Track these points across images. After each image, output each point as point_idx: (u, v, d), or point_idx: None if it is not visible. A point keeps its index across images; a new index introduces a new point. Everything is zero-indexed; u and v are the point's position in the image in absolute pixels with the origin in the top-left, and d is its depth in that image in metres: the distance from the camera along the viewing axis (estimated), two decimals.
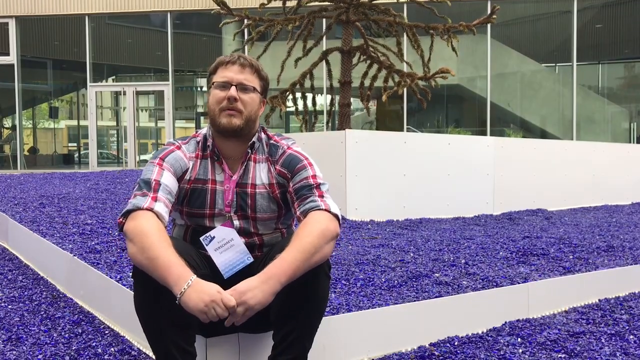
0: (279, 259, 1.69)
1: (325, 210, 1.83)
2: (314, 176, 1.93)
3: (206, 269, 1.82)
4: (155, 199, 1.79)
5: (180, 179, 1.93)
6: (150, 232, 1.68)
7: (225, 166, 1.99)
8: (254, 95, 1.96)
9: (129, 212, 1.76)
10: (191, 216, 1.98)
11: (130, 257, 1.72)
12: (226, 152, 2.00)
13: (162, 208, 1.79)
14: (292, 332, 1.80)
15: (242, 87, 1.93)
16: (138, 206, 1.75)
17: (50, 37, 17.52)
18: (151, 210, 1.75)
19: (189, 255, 1.75)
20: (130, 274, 2.53)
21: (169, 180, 1.87)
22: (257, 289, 1.62)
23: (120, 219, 1.77)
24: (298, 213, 1.87)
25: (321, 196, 1.88)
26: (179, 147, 1.98)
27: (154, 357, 1.81)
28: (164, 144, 2.07)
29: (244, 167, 1.99)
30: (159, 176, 1.86)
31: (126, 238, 1.73)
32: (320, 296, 1.82)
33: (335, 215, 1.84)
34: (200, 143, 2.02)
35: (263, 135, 2.05)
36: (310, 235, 1.74)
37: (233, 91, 1.91)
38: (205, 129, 2.05)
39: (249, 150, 2.00)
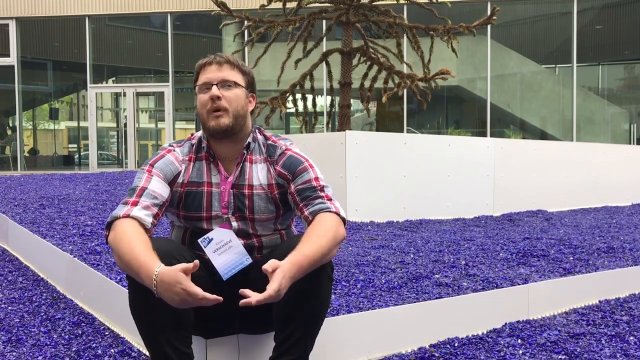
0: (298, 253, 1.68)
1: (336, 213, 1.85)
2: (317, 178, 1.93)
3: (202, 271, 1.82)
4: (135, 204, 1.80)
5: (172, 182, 1.93)
6: (123, 238, 1.70)
7: (221, 168, 1.98)
8: (238, 91, 1.94)
9: (109, 224, 1.78)
10: (188, 219, 1.97)
11: None
12: (221, 154, 1.99)
13: (141, 212, 1.79)
14: (294, 333, 1.80)
15: (223, 84, 1.92)
16: (115, 216, 1.78)
17: (50, 38, 17.53)
18: (128, 216, 1.76)
19: (182, 256, 1.75)
20: None
21: (156, 186, 1.87)
22: (284, 284, 1.61)
23: (106, 232, 1.80)
24: (306, 213, 1.87)
25: (330, 199, 1.89)
26: (170, 151, 1.98)
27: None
28: (162, 145, 2.07)
29: (239, 168, 1.98)
30: (147, 183, 1.86)
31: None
32: (323, 297, 1.83)
33: (344, 220, 1.87)
34: (194, 146, 2.01)
35: (259, 136, 2.04)
36: (325, 237, 1.75)
37: (214, 90, 1.90)
38: (201, 131, 2.05)
39: (245, 152, 1.99)
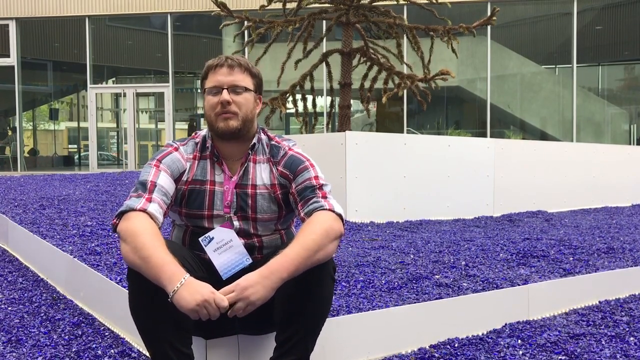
0: (281, 255, 1.70)
1: (329, 210, 1.84)
2: (316, 177, 1.93)
3: (202, 272, 1.82)
4: (149, 200, 1.80)
5: (177, 180, 1.94)
6: (143, 232, 1.70)
7: (225, 167, 1.99)
8: (247, 95, 1.95)
9: (123, 213, 1.77)
10: (190, 217, 1.98)
11: (123, 257, 1.74)
12: (226, 153, 2.00)
13: (156, 209, 1.80)
14: (295, 334, 1.80)
15: (234, 89, 1.93)
16: (132, 207, 1.77)
17: (50, 38, 17.53)
18: (144, 211, 1.77)
19: (182, 257, 1.75)
20: None
21: (165, 182, 1.88)
22: (258, 285, 1.63)
23: (115, 220, 1.79)
24: (302, 214, 1.87)
25: (324, 197, 1.89)
26: (176, 149, 1.99)
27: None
28: (162, 146, 2.07)
29: (243, 168, 1.99)
30: (155, 177, 1.87)
31: (119, 238, 1.75)
32: (325, 298, 1.83)
33: (339, 215, 1.85)
34: (199, 144, 2.02)
35: (263, 136, 2.05)
36: (313, 233, 1.75)
37: (225, 95, 1.91)
38: (204, 130, 2.05)
39: (249, 152, 2.00)
